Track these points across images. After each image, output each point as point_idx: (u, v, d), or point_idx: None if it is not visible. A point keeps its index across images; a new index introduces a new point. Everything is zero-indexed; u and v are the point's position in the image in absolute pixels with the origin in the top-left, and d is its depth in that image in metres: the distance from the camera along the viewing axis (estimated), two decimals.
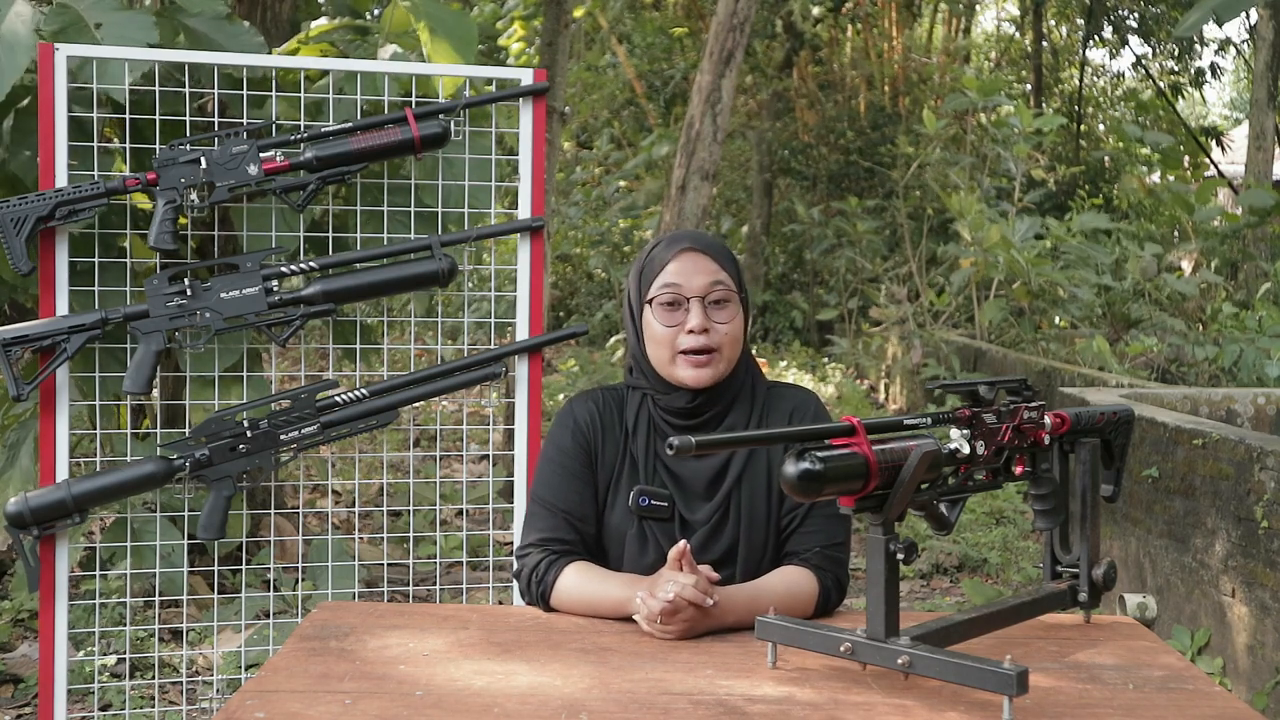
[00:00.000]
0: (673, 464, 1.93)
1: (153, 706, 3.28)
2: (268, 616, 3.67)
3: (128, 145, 2.99)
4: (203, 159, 2.70)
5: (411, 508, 3.50)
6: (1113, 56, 21.22)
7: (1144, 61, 18.62)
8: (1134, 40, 18.01)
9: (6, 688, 3.70)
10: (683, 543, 1.76)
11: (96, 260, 2.80)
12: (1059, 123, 11.23)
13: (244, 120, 2.89)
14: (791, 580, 1.86)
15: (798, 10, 13.62)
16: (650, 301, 1.91)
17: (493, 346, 2.99)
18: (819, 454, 1.43)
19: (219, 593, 3.50)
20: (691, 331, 1.87)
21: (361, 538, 4.55)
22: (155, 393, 3.68)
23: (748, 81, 13.77)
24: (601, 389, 2.02)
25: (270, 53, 3.38)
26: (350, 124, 2.78)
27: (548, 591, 1.88)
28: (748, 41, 9.73)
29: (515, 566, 1.95)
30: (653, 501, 1.90)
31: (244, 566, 3.49)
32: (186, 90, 2.81)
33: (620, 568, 1.92)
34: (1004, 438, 1.66)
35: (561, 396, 9.44)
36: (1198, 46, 17.29)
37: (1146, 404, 4.79)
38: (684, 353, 1.88)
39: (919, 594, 5.04)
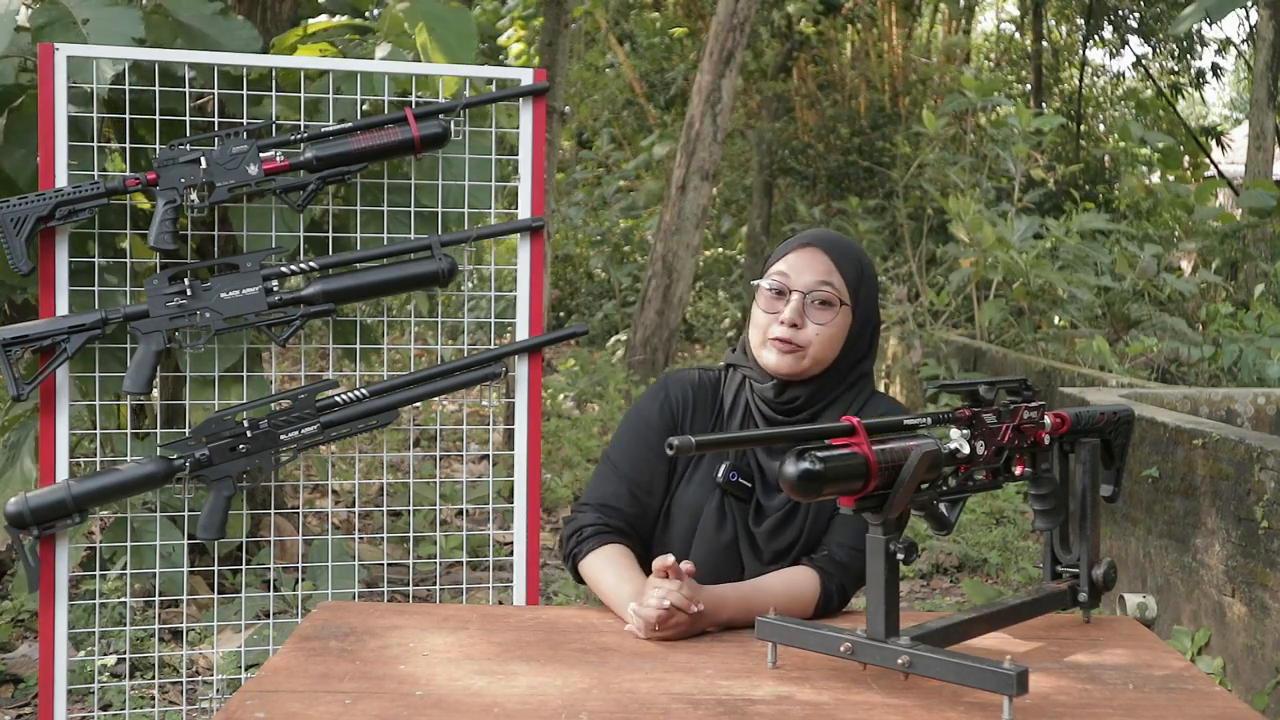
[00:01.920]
0: (758, 451, 1.96)
1: (153, 706, 3.28)
2: (268, 616, 3.67)
3: (128, 145, 2.99)
4: (203, 159, 2.70)
5: (411, 508, 3.50)
6: (1113, 56, 21.24)
7: (1144, 61, 18.63)
8: (1134, 40, 18.01)
9: (6, 688, 3.70)
10: (669, 557, 1.77)
11: (96, 260, 2.80)
12: (1058, 123, 11.22)
13: (244, 120, 2.89)
14: (792, 581, 1.87)
15: (794, 12, 13.62)
16: (763, 285, 1.96)
17: (493, 346, 2.99)
18: (819, 454, 1.43)
19: (219, 593, 3.50)
20: (783, 322, 1.91)
21: (361, 538, 4.54)
22: (155, 393, 3.68)
23: (744, 81, 13.76)
24: (699, 369, 2.07)
25: (266, 48, 3.37)
26: (350, 124, 2.78)
27: (581, 556, 1.93)
28: (747, 42, 9.73)
29: (569, 513, 2.00)
30: (740, 478, 1.93)
31: (244, 566, 3.49)
32: (186, 90, 2.81)
33: (688, 542, 1.95)
34: (1004, 438, 1.66)
35: (561, 396, 9.43)
36: (1198, 47, 17.30)
37: (1146, 404, 4.78)
38: (773, 339, 1.92)
39: (919, 594, 5.04)
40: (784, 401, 1.95)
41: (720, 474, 1.93)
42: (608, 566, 1.90)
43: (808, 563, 1.90)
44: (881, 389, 11.44)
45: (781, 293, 1.93)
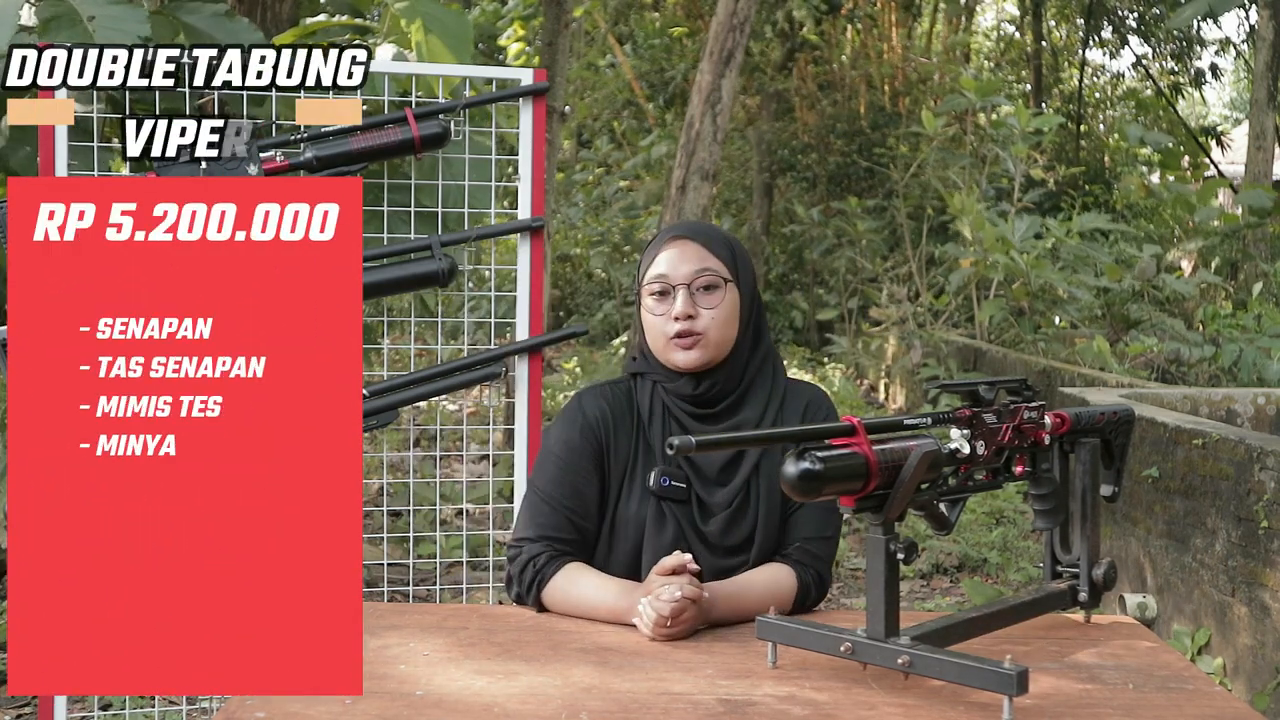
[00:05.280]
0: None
1: (153, 706, 3.28)
2: None
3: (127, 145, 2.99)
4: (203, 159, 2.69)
5: (411, 508, 3.50)
6: (1113, 57, 21.25)
7: (1144, 62, 18.64)
8: (1134, 40, 18.02)
9: (6, 687, 3.70)
10: (677, 555, 1.78)
11: None
12: (1057, 123, 11.21)
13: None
14: (772, 577, 1.89)
15: (788, 14, 13.62)
16: (645, 291, 1.96)
17: (493, 346, 2.99)
18: (819, 454, 1.43)
19: None
20: (676, 318, 1.92)
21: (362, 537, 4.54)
22: None
23: (745, 78, 13.74)
24: (608, 383, 2.04)
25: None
26: (350, 124, 2.78)
27: (543, 583, 1.88)
28: (747, 41, 9.73)
29: (510, 553, 1.94)
30: (673, 482, 1.93)
31: None
32: (187, 89, 2.81)
33: (633, 557, 1.93)
34: (1004, 438, 1.66)
35: (562, 396, 9.43)
36: (1197, 47, 17.32)
37: (1146, 404, 4.78)
38: (673, 337, 1.92)
39: (919, 594, 5.04)
40: (702, 394, 1.95)
41: (652, 482, 1.93)
42: (580, 579, 1.87)
43: (782, 559, 1.92)
44: (882, 389, 11.39)
45: (665, 292, 1.94)
